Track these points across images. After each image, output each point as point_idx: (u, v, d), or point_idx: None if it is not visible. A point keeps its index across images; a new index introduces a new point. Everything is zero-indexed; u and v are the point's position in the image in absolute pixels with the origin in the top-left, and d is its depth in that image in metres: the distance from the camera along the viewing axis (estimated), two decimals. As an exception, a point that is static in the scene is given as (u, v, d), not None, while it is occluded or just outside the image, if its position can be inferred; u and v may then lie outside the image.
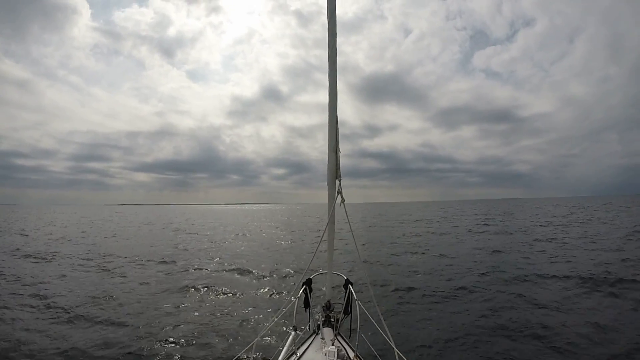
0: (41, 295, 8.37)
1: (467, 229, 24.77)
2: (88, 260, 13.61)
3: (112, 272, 11.14)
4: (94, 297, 8.17)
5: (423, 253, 14.16)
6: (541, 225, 25.18)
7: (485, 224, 28.13)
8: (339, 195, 2.90)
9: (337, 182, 2.92)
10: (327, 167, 2.91)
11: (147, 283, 9.67)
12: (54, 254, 15.10)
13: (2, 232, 26.60)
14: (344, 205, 2.93)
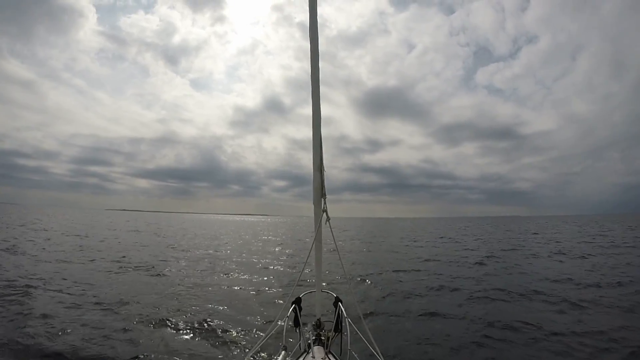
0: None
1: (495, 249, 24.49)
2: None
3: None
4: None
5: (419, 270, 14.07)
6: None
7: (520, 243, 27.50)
8: (324, 213, 2.96)
9: (322, 200, 2.98)
10: (312, 186, 2.98)
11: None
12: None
13: None
14: (329, 223, 2.98)
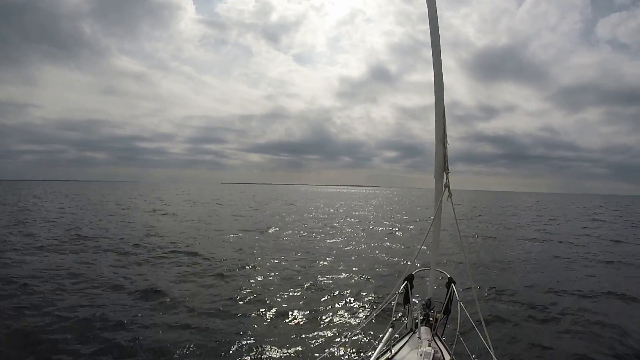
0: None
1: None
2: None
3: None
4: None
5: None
6: None
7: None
8: (447, 189, 2.75)
9: (444, 174, 2.76)
10: (434, 159, 2.78)
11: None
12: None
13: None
14: (451, 199, 2.76)
